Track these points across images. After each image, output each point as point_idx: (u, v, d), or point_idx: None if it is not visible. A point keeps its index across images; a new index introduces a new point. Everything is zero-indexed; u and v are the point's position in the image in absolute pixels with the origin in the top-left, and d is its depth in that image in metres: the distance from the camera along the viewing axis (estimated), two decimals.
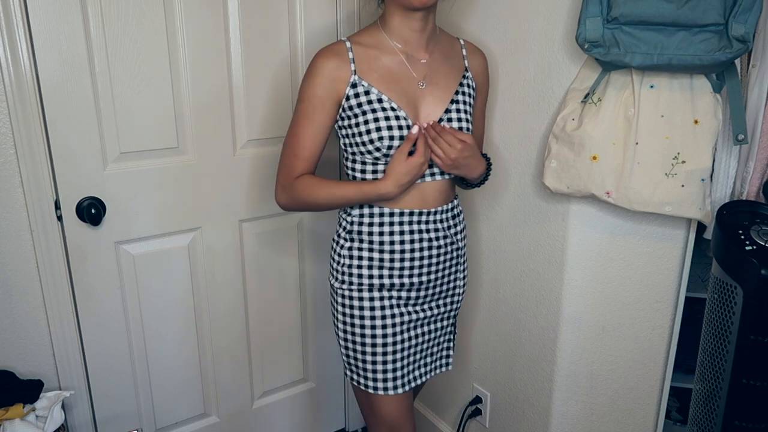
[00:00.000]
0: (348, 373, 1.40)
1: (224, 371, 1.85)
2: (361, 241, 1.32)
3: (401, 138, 1.24)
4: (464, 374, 1.87)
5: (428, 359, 1.43)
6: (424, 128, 1.24)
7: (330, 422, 2.14)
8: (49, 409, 1.42)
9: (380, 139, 1.24)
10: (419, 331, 1.38)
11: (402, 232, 1.30)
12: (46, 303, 1.51)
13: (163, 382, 1.75)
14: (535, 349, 1.59)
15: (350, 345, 1.36)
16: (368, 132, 1.25)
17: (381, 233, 1.31)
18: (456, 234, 1.38)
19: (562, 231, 1.45)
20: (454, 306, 1.44)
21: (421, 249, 1.32)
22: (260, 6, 1.64)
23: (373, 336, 1.33)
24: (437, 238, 1.33)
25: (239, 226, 1.77)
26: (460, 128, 1.30)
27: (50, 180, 1.46)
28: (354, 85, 1.25)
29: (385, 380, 1.35)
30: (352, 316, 1.34)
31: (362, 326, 1.33)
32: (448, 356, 1.48)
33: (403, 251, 1.31)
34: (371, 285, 1.32)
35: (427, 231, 1.32)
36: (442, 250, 1.35)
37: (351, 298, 1.34)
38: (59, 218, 1.49)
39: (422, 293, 1.36)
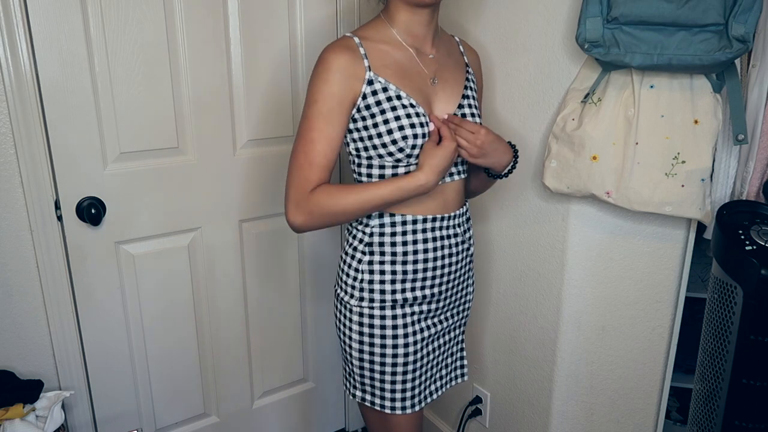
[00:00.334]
0: (358, 393, 1.31)
1: (224, 371, 1.85)
2: (382, 253, 1.22)
3: (424, 136, 1.17)
4: None
5: (443, 371, 1.37)
6: (444, 120, 1.20)
7: (330, 422, 2.14)
8: (49, 409, 1.42)
9: (404, 138, 1.15)
10: (436, 344, 1.31)
11: (426, 240, 1.23)
12: (46, 303, 1.51)
13: (163, 382, 1.75)
14: (535, 349, 1.59)
15: (366, 365, 1.26)
16: (390, 132, 1.15)
17: (404, 243, 1.22)
18: (470, 238, 1.33)
19: (562, 231, 1.45)
20: (466, 313, 1.38)
21: (443, 257, 1.25)
22: (260, 6, 1.64)
23: (394, 356, 1.24)
24: (456, 244, 1.27)
25: (239, 226, 1.77)
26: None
27: (50, 180, 1.46)
28: (370, 82, 1.15)
29: (403, 399, 1.28)
30: (371, 335, 1.24)
31: (383, 345, 1.24)
32: (462, 366, 1.42)
33: (426, 260, 1.23)
34: (394, 301, 1.24)
35: (449, 237, 1.26)
36: (460, 257, 1.29)
37: (371, 316, 1.24)
38: (59, 218, 1.49)
39: (440, 303, 1.29)
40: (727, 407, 1.21)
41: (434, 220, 1.23)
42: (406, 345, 1.25)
